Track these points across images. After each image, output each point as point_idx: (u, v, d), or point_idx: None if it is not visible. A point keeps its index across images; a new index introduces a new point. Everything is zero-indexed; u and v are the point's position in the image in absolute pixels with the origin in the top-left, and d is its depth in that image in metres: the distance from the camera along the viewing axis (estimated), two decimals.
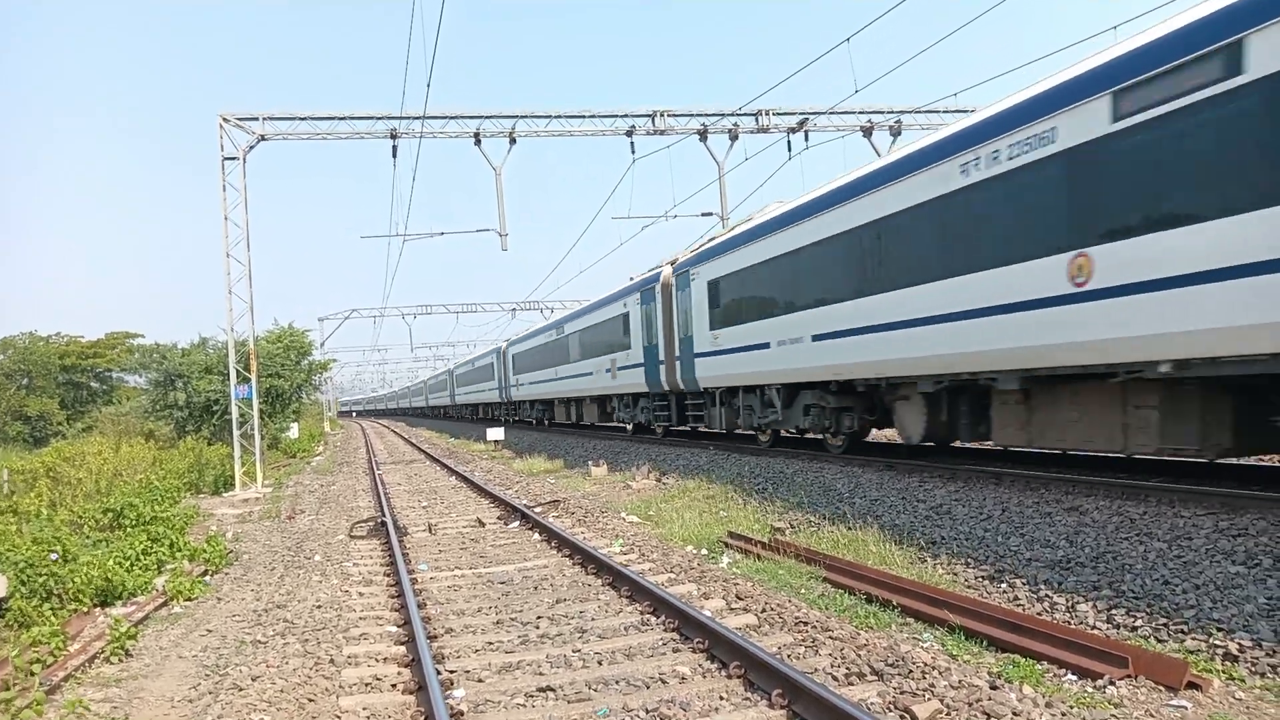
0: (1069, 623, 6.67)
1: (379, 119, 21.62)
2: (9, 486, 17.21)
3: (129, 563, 10.14)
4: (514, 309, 56.79)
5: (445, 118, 21.83)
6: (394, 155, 21.89)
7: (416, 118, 21.48)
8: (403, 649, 7.08)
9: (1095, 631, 6.41)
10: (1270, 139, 6.71)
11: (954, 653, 6.30)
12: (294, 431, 35.50)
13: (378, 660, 6.86)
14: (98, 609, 9.18)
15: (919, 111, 23.74)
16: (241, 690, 6.23)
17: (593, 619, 7.68)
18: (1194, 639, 5.95)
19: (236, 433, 22.00)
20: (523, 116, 22.14)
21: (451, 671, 6.38)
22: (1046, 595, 7.23)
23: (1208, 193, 7.21)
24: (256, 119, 21.21)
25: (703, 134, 23.37)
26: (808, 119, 23.47)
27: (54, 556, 9.38)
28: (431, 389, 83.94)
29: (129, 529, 11.90)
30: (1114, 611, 6.63)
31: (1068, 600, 7.02)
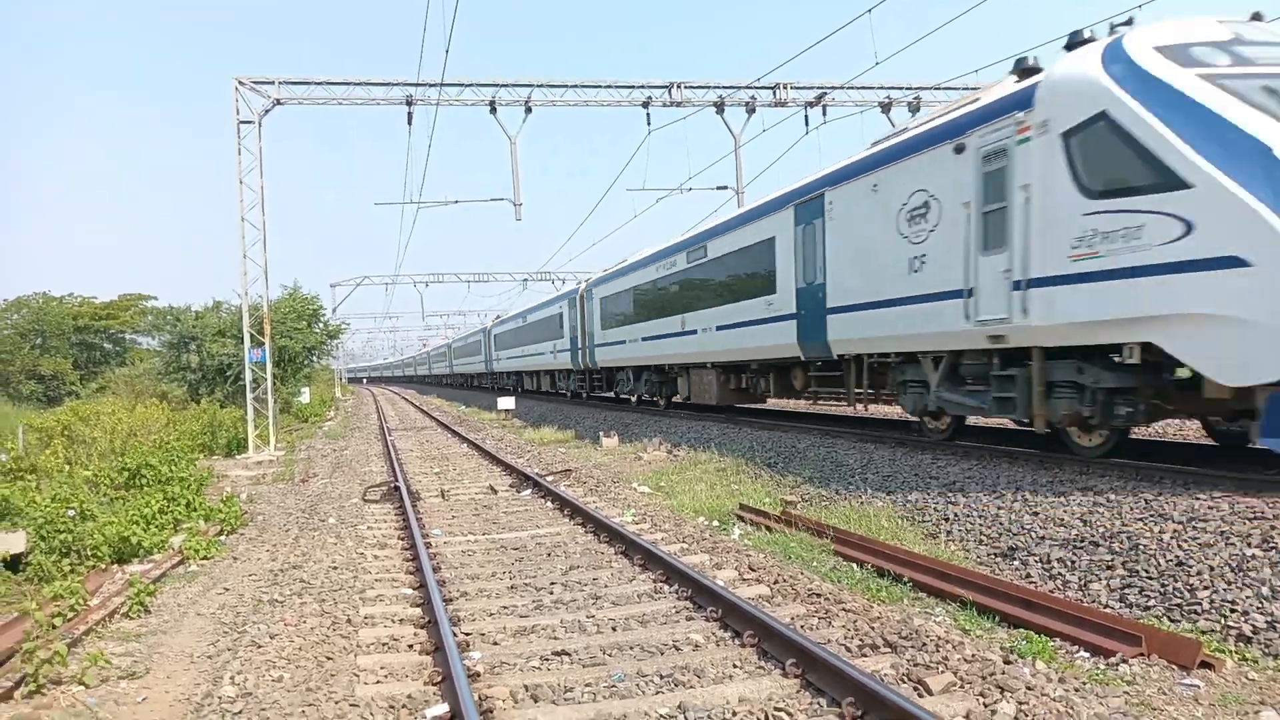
0: (1082, 601, 6.68)
1: (395, 85, 21.51)
2: (25, 445, 17.35)
3: (146, 521, 10.24)
4: (526, 279, 56.73)
5: (461, 85, 21.70)
6: (409, 122, 21.84)
7: (433, 85, 21.36)
8: (418, 611, 7.16)
9: (1108, 610, 6.42)
10: None
11: (966, 628, 6.33)
12: (306, 396, 35.72)
13: (394, 621, 6.94)
14: (115, 566, 9.31)
15: (938, 88, 23.51)
16: (260, 647, 6.32)
17: (606, 586, 7.74)
18: (1207, 620, 5.96)
19: (250, 396, 22.14)
20: (539, 85, 21.98)
21: (467, 634, 6.45)
22: (1059, 573, 7.24)
23: None
24: (272, 83, 21.13)
25: (719, 106, 23.17)
26: (826, 93, 23.25)
27: (71, 513, 9.51)
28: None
29: (145, 488, 12.01)
30: (1127, 591, 6.65)
31: (1080, 579, 7.03)
